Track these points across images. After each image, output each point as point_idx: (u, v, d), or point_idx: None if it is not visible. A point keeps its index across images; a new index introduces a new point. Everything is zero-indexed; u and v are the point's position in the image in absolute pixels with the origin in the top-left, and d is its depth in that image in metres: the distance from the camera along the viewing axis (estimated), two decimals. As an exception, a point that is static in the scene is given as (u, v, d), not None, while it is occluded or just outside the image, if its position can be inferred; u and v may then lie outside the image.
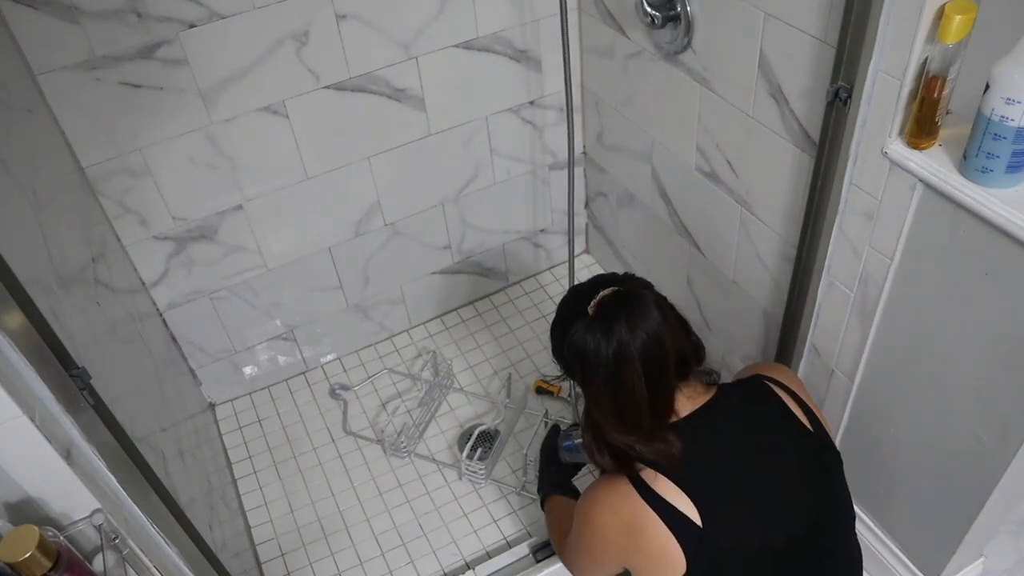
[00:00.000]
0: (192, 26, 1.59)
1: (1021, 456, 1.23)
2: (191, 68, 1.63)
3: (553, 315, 1.21)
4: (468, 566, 1.77)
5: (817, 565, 1.16)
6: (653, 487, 1.08)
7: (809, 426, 1.18)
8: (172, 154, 1.73)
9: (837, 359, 1.51)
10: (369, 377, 2.22)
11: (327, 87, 1.80)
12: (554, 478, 1.61)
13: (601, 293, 1.12)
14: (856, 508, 1.65)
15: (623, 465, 1.13)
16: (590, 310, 1.11)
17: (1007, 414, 1.21)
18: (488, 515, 1.89)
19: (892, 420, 1.45)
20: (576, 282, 1.76)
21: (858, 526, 1.65)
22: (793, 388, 1.21)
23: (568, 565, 1.35)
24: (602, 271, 2.46)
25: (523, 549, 1.72)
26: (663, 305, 1.14)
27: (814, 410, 1.20)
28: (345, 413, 2.14)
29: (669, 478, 1.08)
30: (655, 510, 1.07)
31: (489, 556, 1.80)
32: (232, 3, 1.60)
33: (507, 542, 1.83)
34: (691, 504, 1.07)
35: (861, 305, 1.40)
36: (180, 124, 1.70)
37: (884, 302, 1.35)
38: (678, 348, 1.12)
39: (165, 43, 1.58)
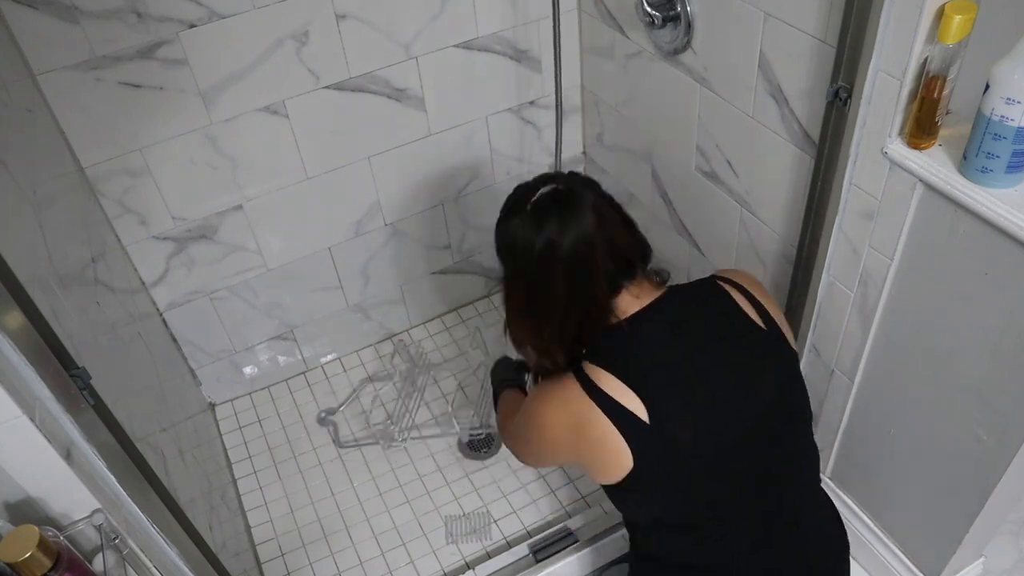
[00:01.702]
0: (192, 26, 1.59)
1: (1021, 456, 1.23)
2: (191, 68, 1.63)
3: None
4: (468, 566, 1.77)
5: (771, 460, 1.14)
6: (599, 384, 1.07)
7: (762, 324, 1.15)
8: (172, 154, 1.73)
9: (837, 359, 1.51)
10: (353, 393, 2.20)
11: (327, 87, 1.80)
12: (506, 373, 1.59)
13: (540, 190, 1.12)
14: (856, 508, 1.66)
15: (553, 364, 1.16)
16: (528, 206, 1.11)
17: (1007, 414, 1.21)
18: (488, 515, 1.89)
19: (892, 420, 1.45)
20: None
21: (858, 526, 1.65)
22: (747, 287, 1.18)
23: (518, 455, 1.34)
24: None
25: (523, 549, 1.72)
26: (602, 207, 1.12)
27: (768, 309, 1.17)
28: (336, 433, 2.12)
29: (614, 375, 1.07)
30: (601, 407, 1.06)
31: (489, 556, 1.80)
32: (232, 3, 1.60)
33: (507, 542, 1.83)
34: (638, 400, 1.06)
35: (861, 305, 1.40)
36: (180, 124, 1.70)
37: (884, 302, 1.35)
38: (620, 250, 1.11)
39: (165, 43, 1.58)
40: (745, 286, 1.18)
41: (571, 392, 1.10)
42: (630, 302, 1.13)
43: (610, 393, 1.07)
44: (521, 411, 1.24)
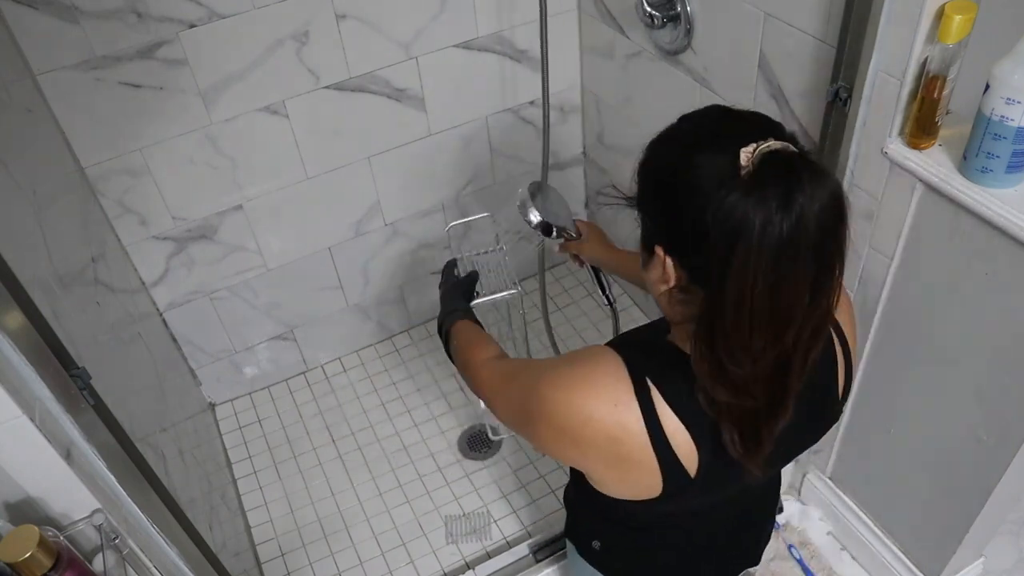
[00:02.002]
0: (192, 26, 1.59)
1: (1021, 456, 1.23)
2: (191, 68, 1.63)
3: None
4: (468, 566, 1.77)
5: (748, 506, 1.12)
6: (661, 420, 0.86)
7: (841, 392, 0.98)
8: (172, 154, 1.73)
9: (837, 359, 1.51)
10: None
11: (327, 87, 1.80)
12: (459, 303, 1.35)
13: (771, 143, 0.77)
14: (856, 508, 1.66)
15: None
16: (745, 157, 0.75)
17: (1007, 414, 1.21)
18: (488, 515, 1.89)
19: (892, 420, 1.45)
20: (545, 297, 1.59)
21: (858, 526, 1.65)
22: (848, 339, 0.98)
23: (492, 405, 1.07)
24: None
25: (523, 549, 1.71)
26: (840, 184, 0.80)
27: (853, 366, 0.99)
28: None
29: (681, 421, 0.86)
30: (654, 447, 0.86)
31: (489, 556, 1.80)
32: (232, 3, 1.60)
33: (507, 542, 1.83)
34: (694, 452, 0.87)
35: (861, 305, 1.39)
36: (180, 124, 1.70)
37: (884, 302, 1.35)
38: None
39: (165, 43, 1.58)
40: (845, 333, 0.97)
41: (628, 416, 0.86)
42: None
43: (668, 436, 0.86)
44: (536, 373, 0.95)
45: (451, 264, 1.50)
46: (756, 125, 0.80)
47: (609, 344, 0.94)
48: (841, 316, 0.96)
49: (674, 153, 0.83)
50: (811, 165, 0.76)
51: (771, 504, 1.22)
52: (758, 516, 1.20)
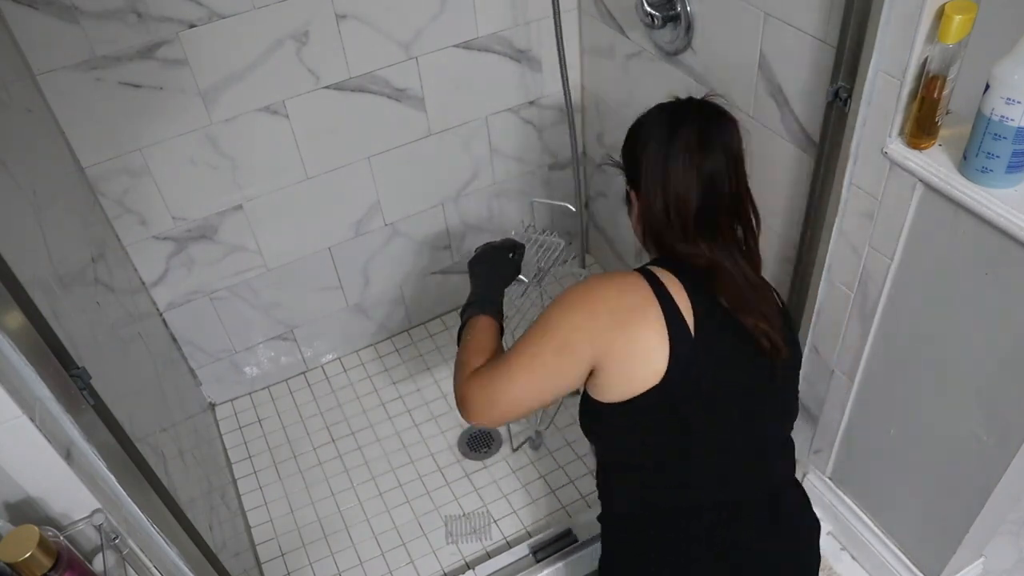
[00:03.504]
0: (192, 26, 1.59)
1: (1021, 456, 1.23)
2: (191, 68, 1.63)
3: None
4: (468, 566, 1.77)
5: (763, 440, 1.19)
6: (663, 282, 1.09)
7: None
8: (172, 154, 1.73)
9: (837, 359, 1.51)
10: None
11: (327, 87, 1.80)
12: (493, 294, 1.38)
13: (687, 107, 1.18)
14: (856, 508, 1.66)
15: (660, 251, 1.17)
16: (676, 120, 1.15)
17: (1007, 414, 1.21)
18: (488, 515, 1.89)
19: (892, 420, 1.45)
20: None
21: (858, 526, 1.65)
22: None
23: (486, 398, 1.13)
24: (601, 271, 2.47)
25: (523, 549, 1.72)
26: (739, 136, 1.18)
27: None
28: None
29: (680, 281, 1.09)
30: (660, 302, 1.07)
31: (489, 556, 1.80)
32: (232, 3, 1.60)
33: (507, 542, 1.83)
34: (691, 311, 1.07)
35: (861, 305, 1.39)
36: (180, 124, 1.70)
37: (884, 302, 1.35)
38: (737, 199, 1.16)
39: (165, 43, 1.58)
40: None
41: (633, 279, 1.10)
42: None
43: (672, 293, 1.08)
44: (556, 303, 1.12)
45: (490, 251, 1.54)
46: (689, 102, 1.19)
47: None
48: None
49: (641, 128, 1.19)
50: (710, 107, 1.17)
51: (783, 482, 1.24)
52: (773, 434, 1.22)
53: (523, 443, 2.01)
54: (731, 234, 1.16)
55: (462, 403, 1.16)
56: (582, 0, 1.94)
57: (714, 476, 1.15)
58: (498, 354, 1.21)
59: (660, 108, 1.18)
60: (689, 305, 1.08)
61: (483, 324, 1.27)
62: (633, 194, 1.20)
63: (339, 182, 1.96)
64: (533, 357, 1.10)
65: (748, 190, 1.18)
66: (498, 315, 1.31)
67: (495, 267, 1.45)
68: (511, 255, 1.49)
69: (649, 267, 1.14)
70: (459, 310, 1.36)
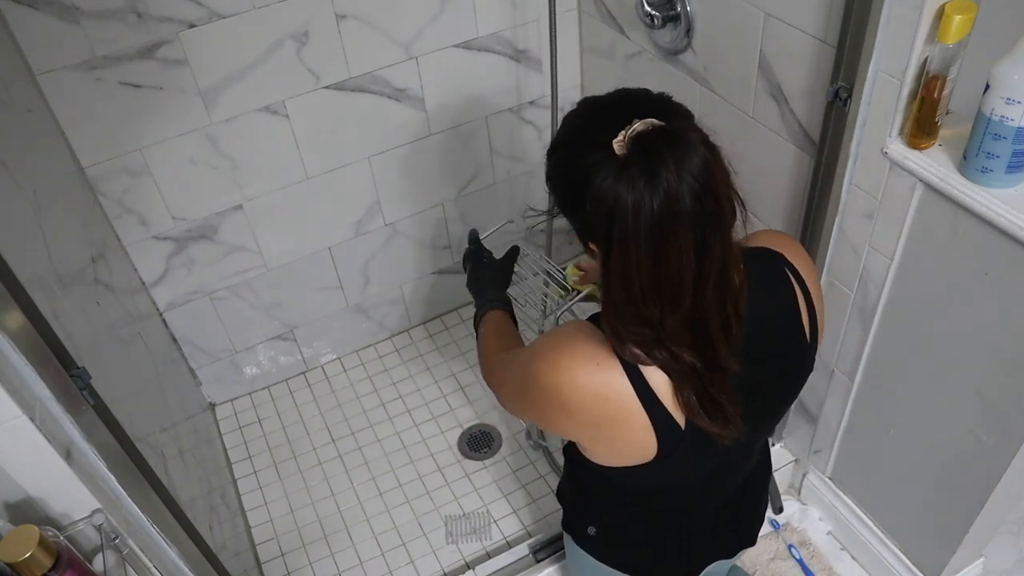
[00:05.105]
0: (192, 26, 1.59)
1: (1021, 456, 1.23)
2: (191, 68, 1.63)
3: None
4: (468, 566, 1.77)
5: (739, 481, 1.16)
6: (645, 375, 0.90)
7: (808, 335, 1.01)
8: (172, 154, 1.73)
9: (837, 359, 1.51)
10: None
11: (327, 87, 1.80)
12: (498, 292, 1.34)
13: (636, 126, 0.81)
14: (856, 508, 1.66)
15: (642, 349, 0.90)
16: (618, 146, 0.81)
17: (1007, 414, 1.21)
18: (488, 515, 1.89)
19: (892, 420, 1.45)
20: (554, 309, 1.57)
21: (858, 526, 1.65)
22: (805, 279, 1.01)
23: (502, 399, 1.11)
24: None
25: (523, 549, 1.71)
26: (709, 143, 0.86)
27: (817, 307, 1.02)
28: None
29: (664, 371, 0.90)
30: (643, 403, 0.90)
31: (489, 556, 1.80)
32: (232, 3, 1.60)
33: (507, 542, 1.83)
34: (678, 409, 0.92)
35: (861, 305, 1.40)
36: (180, 124, 1.70)
37: (884, 302, 1.35)
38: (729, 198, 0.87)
39: (165, 43, 1.58)
40: (804, 278, 1.01)
41: (612, 374, 0.90)
42: None
43: (655, 389, 0.90)
44: (527, 356, 0.99)
45: (475, 232, 1.49)
46: (622, 110, 0.84)
47: (588, 319, 0.98)
48: (796, 260, 1.00)
49: (561, 159, 0.89)
50: (672, 138, 0.81)
51: (763, 480, 1.24)
52: (751, 492, 1.20)
53: (526, 430, 2.01)
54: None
55: (497, 393, 1.14)
56: (582, 0, 1.94)
57: (692, 497, 1.13)
58: (509, 336, 1.21)
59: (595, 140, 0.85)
60: (675, 403, 0.92)
61: (491, 316, 1.28)
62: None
63: (339, 182, 1.96)
64: (520, 397, 1.04)
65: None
66: (501, 305, 1.30)
67: (475, 274, 1.43)
68: (483, 258, 1.45)
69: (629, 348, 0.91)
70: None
